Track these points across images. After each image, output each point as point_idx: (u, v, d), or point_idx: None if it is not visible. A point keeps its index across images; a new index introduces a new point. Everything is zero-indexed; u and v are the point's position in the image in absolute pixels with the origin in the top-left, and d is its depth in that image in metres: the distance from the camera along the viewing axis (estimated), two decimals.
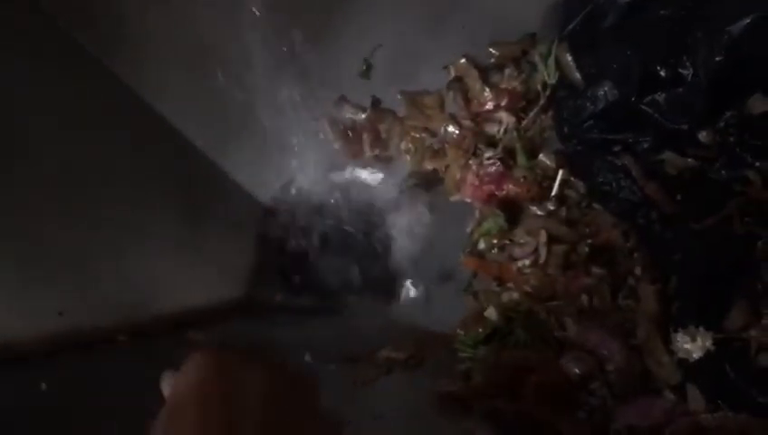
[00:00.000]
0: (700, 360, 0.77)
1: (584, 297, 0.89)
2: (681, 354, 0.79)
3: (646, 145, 0.95)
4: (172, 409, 0.41)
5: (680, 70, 0.87)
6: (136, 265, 0.94)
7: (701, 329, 0.77)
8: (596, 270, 0.91)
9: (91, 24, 0.92)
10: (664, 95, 0.90)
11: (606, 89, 0.95)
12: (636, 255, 0.94)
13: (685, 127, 0.90)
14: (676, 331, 0.80)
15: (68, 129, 0.89)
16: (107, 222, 0.92)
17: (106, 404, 0.77)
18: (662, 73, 0.89)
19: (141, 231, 0.95)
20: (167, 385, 0.46)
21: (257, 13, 1.00)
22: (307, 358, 0.87)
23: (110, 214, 0.92)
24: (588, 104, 0.97)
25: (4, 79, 0.81)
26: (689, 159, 0.92)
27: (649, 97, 0.91)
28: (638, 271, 0.91)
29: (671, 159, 0.93)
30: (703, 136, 0.90)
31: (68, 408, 0.75)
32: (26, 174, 0.84)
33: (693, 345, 0.77)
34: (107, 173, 0.92)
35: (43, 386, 0.74)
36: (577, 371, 0.82)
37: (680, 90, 0.88)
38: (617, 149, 0.97)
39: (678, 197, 0.91)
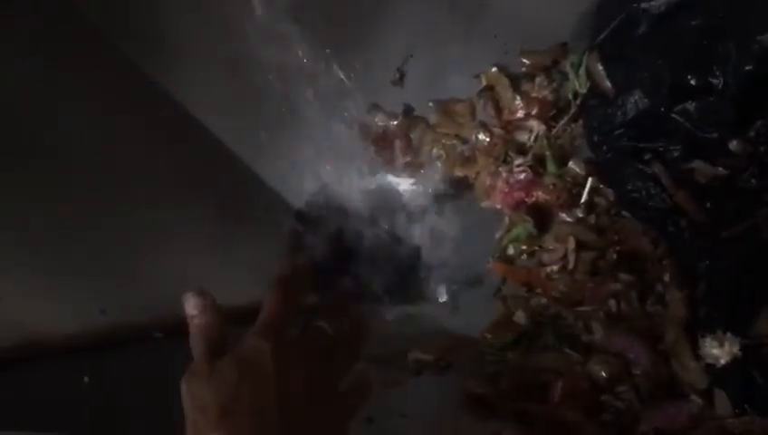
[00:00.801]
0: (727, 365, 0.77)
1: (612, 302, 0.90)
2: (708, 359, 0.79)
3: (676, 154, 0.96)
4: (225, 396, 0.47)
5: (710, 79, 0.88)
6: (171, 264, 0.97)
7: (728, 334, 0.78)
8: (624, 276, 0.92)
9: (127, 27, 0.95)
10: (694, 104, 0.90)
11: (636, 98, 0.96)
12: (664, 262, 0.94)
13: (715, 136, 0.90)
14: (703, 336, 0.81)
15: (106, 131, 0.91)
16: (144, 223, 0.94)
17: (143, 398, 0.80)
18: (692, 82, 0.90)
19: (177, 232, 0.98)
20: (191, 305, 0.55)
21: (293, 21, 1.02)
22: None
23: (147, 215, 0.95)
24: (618, 113, 0.98)
25: (46, 85, 0.84)
26: (719, 168, 0.93)
27: (680, 106, 0.92)
28: (666, 278, 0.92)
29: (701, 168, 0.94)
30: (733, 145, 0.91)
31: (109, 401, 0.78)
32: (68, 176, 0.87)
33: (720, 351, 0.78)
34: (144, 175, 0.95)
35: (86, 380, 0.77)
36: (604, 374, 0.82)
37: (710, 99, 0.89)
38: (647, 157, 0.98)
39: (708, 205, 0.92)
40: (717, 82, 0.87)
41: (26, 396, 0.76)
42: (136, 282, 0.92)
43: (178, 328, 0.94)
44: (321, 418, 0.49)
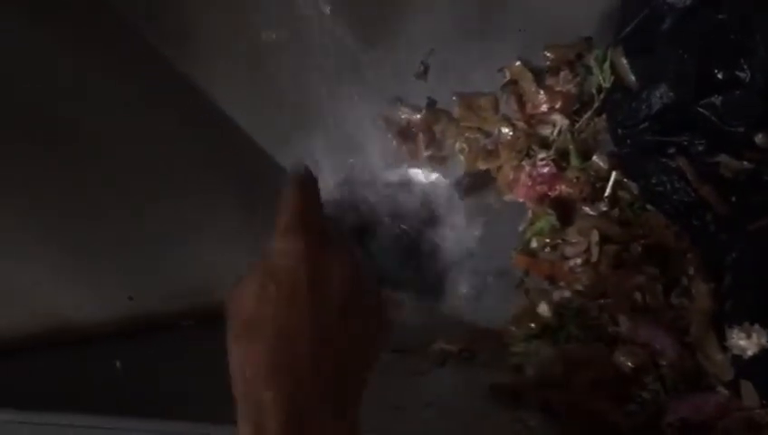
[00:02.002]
0: (755, 356, 0.78)
1: (637, 295, 0.90)
2: (735, 351, 0.79)
3: (701, 147, 0.96)
4: (255, 309, 0.41)
5: (737, 73, 0.88)
6: (198, 253, 0.98)
7: (756, 326, 0.78)
8: (649, 269, 0.92)
9: (156, 22, 0.96)
10: (720, 98, 0.90)
11: (661, 91, 0.96)
12: (689, 255, 0.94)
13: (741, 130, 0.90)
14: (730, 328, 0.81)
15: (135, 124, 0.92)
16: (171, 212, 0.95)
17: (172, 384, 0.81)
18: (719, 76, 0.90)
19: (203, 221, 0.99)
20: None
21: (317, 14, 1.03)
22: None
23: (175, 204, 0.96)
24: (642, 107, 0.98)
25: (78, 75, 0.85)
26: (745, 162, 0.93)
27: (706, 100, 0.92)
28: (690, 271, 0.92)
29: (726, 162, 0.94)
30: (759, 139, 0.91)
31: (139, 387, 0.79)
32: (96, 167, 0.88)
33: (748, 342, 0.78)
34: (171, 166, 0.96)
35: (118, 364, 0.78)
36: (630, 364, 0.83)
37: (737, 92, 0.89)
38: (671, 151, 0.98)
39: (733, 199, 0.92)
40: (744, 75, 0.87)
41: (59, 379, 0.77)
42: (164, 270, 0.93)
43: (206, 317, 0.96)
44: (356, 340, 0.42)
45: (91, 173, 0.87)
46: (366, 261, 0.42)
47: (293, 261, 0.42)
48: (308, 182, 0.49)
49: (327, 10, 1.01)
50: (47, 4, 0.81)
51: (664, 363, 0.83)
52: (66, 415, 0.71)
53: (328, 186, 1.17)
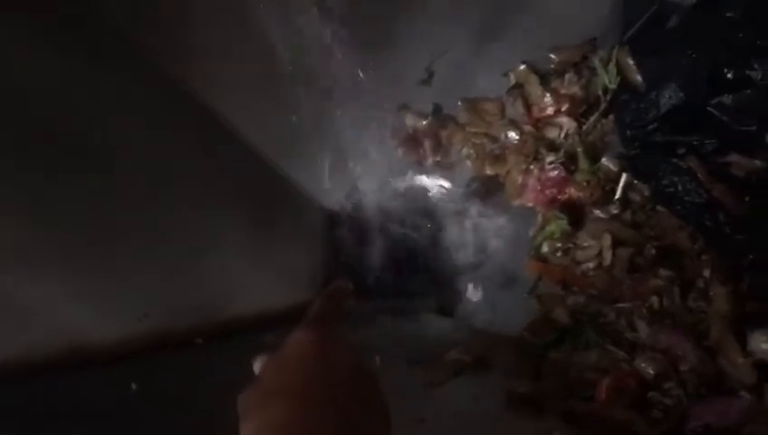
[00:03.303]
0: None
1: (654, 299, 0.90)
2: (759, 354, 0.79)
3: (711, 147, 0.95)
4: (271, 382, 0.47)
5: (748, 72, 0.88)
6: (210, 270, 0.97)
7: None
8: (665, 272, 0.91)
9: (163, 36, 0.95)
10: (731, 97, 0.90)
11: (670, 91, 0.96)
12: (704, 257, 0.94)
13: (753, 129, 0.90)
14: (752, 331, 0.80)
15: (148, 143, 0.91)
16: (183, 229, 0.94)
17: (189, 403, 0.80)
18: (729, 75, 0.89)
19: (214, 237, 0.98)
20: (258, 365, 0.51)
21: (323, 24, 1.02)
22: (377, 361, 0.88)
23: (186, 221, 0.95)
24: (651, 107, 0.98)
25: (90, 92, 0.84)
26: (757, 161, 0.92)
27: (716, 99, 0.91)
28: (706, 273, 0.91)
29: (738, 162, 0.93)
30: None
31: (155, 408, 0.78)
32: (107, 182, 0.87)
33: None
34: (181, 181, 0.95)
35: (134, 386, 0.77)
36: (651, 371, 0.82)
37: (748, 91, 0.88)
38: (681, 151, 0.98)
39: (747, 198, 0.91)
40: (756, 74, 0.87)
41: (74, 403, 0.76)
42: (176, 287, 0.92)
43: (219, 334, 0.95)
44: (367, 411, 0.48)
45: (105, 192, 0.86)
46: (366, 360, 0.50)
47: (305, 345, 0.48)
48: (337, 295, 0.58)
49: (332, 21, 1.00)
50: (62, 23, 0.80)
51: (685, 369, 0.82)
52: None
53: (337, 195, 1.17)
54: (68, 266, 0.79)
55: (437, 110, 1.15)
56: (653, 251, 0.96)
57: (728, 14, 0.90)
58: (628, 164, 1.04)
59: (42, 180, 0.77)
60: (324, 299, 0.57)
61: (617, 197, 1.04)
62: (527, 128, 1.11)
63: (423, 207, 1.16)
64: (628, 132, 1.03)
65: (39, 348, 0.80)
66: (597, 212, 1.04)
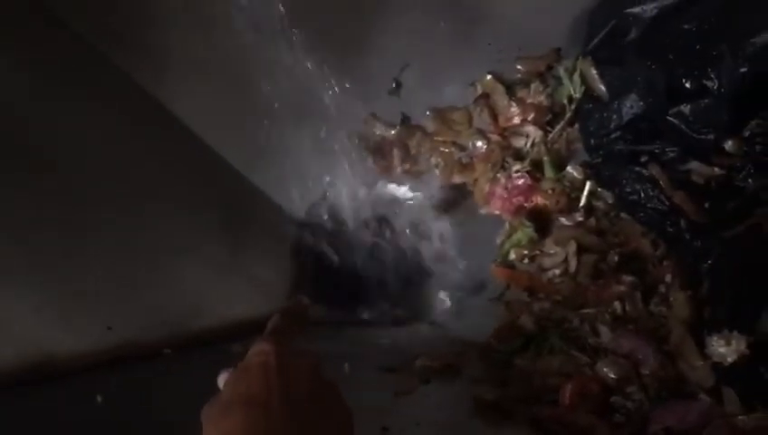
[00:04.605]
0: (735, 363, 0.79)
1: (617, 304, 0.91)
2: (716, 358, 0.81)
3: (672, 155, 0.98)
4: (232, 392, 0.48)
5: (705, 81, 0.90)
6: (177, 280, 0.97)
7: (735, 333, 0.79)
8: (627, 278, 0.93)
9: (127, 48, 0.96)
10: (689, 106, 0.92)
11: (631, 101, 0.98)
12: (665, 262, 0.96)
13: (711, 137, 0.92)
14: (710, 335, 0.82)
15: (111, 149, 0.91)
16: (148, 239, 0.94)
17: (156, 415, 0.80)
18: (687, 85, 0.91)
19: (181, 247, 0.98)
20: (222, 380, 0.52)
21: (288, 34, 1.03)
22: (345, 369, 0.88)
23: (152, 231, 0.95)
24: (613, 116, 1.00)
25: (60, 110, 0.85)
26: (715, 168, 0.94)
27: (675, 108, 0.93)
28: (668, 278, 0.93)
29: (698, 169, 0.95)
30: (728, 145, 0.92)
31: (123, 420, 0.78)
32: (71, 192, 0.87)
33: (727, 349, 0.79)
34: (147, 191, 0.95)
35: (99, 399, 0.77)
36: (613, 375, 0.83)
37: (706, 101, 0.90)
38: (643, 159, 1.00)
39: (706, 205, 0.93)
40: (712, 84, 0.89)
41: (42, 416, 0.76)
42: (142, 299, 0.92)
43: (187, 344, 0.95)
44: (327, 420, 0.49)
45: (73, 205, 0.86)
46: (328, 370, 0.52)
47: (264, 356, 0.49)
48: (294, 311, 0.62)
49: (298, 31, 1.01)
50: (31, 45, 0.81)
51: (646, 373, 0.84)
52: None
53: (306, 204, 1.17)
54: (34, 283, 0.79)
55: (405, 119, 1.16)
56: (616, 257, 0.97)
57: (685, 27, 0.92)
58: (592, 172, 1.06)
59: (8, 197, 0.77)
60: (282, 314, 0.59)
61: (581, 204, 1.05)
62: (494, 137, 1.13)
63: (392, 215, 1.17)
64: (592, 141, 1.05)
65: (4, 361, 0.79)
66: (562, 220, 1.06)
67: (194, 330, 0.96)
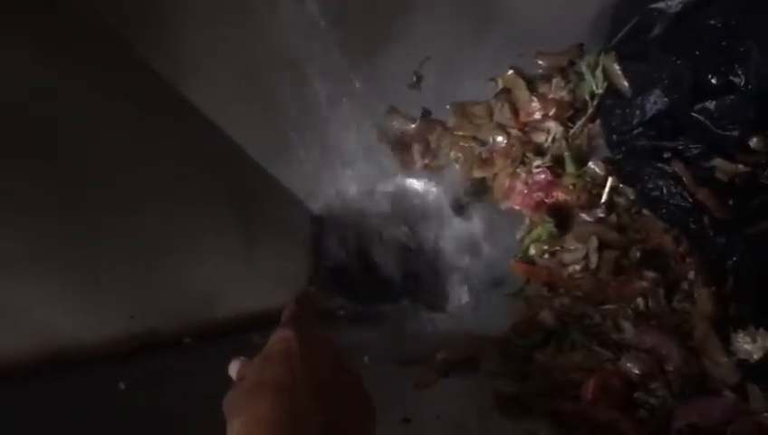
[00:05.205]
0: (761, 360, 0.78)
1: (639, 301, 0.91)
2: (741, 355, 0.80)
3: (696, 151, 0.97)
4: (256, 378, 0.48)
5: (731, 78, 0.89)
6: (197, 271, 0.97)
7: (761, 330, 0.79)
8: (650, 274, 0.92)
9: (155, 41, 0.95)
10: (715, 103, 0.91)
11: (655, 97, 0.97)
12: (688, 259, 0.95)
13: (735, 133, 0.91)
14: (735, 332, 0.81)
15: (134, 142, 0.91)
16: (170, 230, 0.94)
17: (179, 403, 0.80)
18: (713, 81, 0.91)
19: (201, 238, 0.98)
20: (234, 369, 0.54)
21: (311, 28, 1.03)
22: (366, 361, 0.88)
23: (173, 222, 0.95)
24: (636, 112, 0.99)
25: (78, 97, 0.84)
26: (740, 165, 0.94)
27: (700, 105, 0.93)
28: (691, 275, 0.93)
29: (722, 166, 0.95)
30: (753, 142, 0.92)
31: (145, 407, 0.78)
32: (95, 185, 0.87)
33: (753, 346, 0.79)
34: (167, 181, 0.95)
35: (122, 386, 0.77)
36: (636, 371, 0.83)
37: (731, 97, 0.90)
38: (666, 156, 0.99)
39: (730, 202, 0.92)
40: (738, 79, 0.88)
41: (60, 406, 0.76)
42: (164, 288, 0.92)
43: (207, 334, 0.95)
44: (351, 406, 0.50)
45: (90, 191, 0.86)
46: (350, 359, 0.54)
47: (286, 343, 0.50)
48: (307, 300, 0.67)
49: (321, 24, 1.01)
50: (50, 32, 0.80)
51: (670, 369, 0.83)
52: None
53: (324, 197, 1.17)
54: (50, 271, 0.79)
55: (426, 113, 1.16)
56: (638, 254, 0.97)
57: (711, 22, 0.91)
58: (614, 168, 1.06)
59: (25, 183, 0.76)
60: (295, 304, 0.62)
61: (603, 200, 1.05)
62: (514, 132, 1.12)
63: (411, 209, 1.17)
64: (615, 137, 1.04)
65: (22, 351, 0.79)
66: (583, 215, 1.05)
67: (214, 320, 0.96)
